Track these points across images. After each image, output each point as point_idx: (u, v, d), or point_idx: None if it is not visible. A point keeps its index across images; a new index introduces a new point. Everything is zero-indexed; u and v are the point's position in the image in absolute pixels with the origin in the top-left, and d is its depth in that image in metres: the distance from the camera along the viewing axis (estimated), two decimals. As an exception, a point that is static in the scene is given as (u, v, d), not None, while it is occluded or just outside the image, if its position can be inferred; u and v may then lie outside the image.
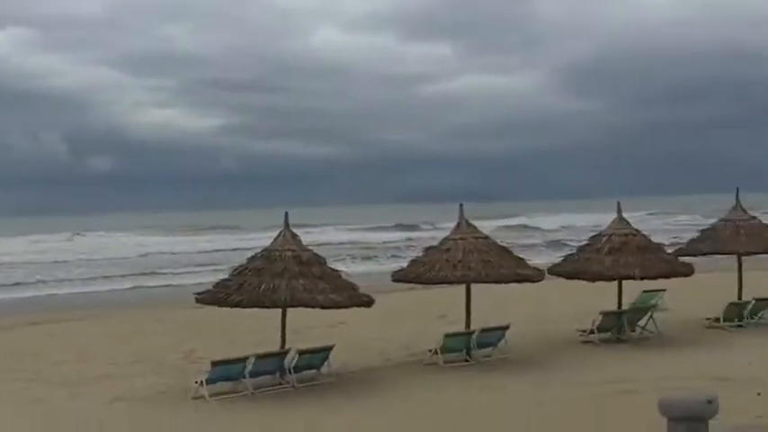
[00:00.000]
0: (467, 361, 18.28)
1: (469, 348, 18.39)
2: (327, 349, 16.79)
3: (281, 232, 17.11)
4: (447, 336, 18.34)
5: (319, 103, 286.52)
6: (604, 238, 20.61)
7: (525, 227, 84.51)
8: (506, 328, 18.85)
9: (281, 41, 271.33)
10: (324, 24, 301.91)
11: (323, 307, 16.19)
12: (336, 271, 17.28)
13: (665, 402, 7.25)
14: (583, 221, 70.17)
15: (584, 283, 20.90)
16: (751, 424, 11.96)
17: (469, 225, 19.18)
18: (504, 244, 20.64)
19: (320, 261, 16.96)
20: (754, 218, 23.64)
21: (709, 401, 7.08)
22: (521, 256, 20.19)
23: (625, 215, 21.47)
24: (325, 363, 16.78)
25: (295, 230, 17.43)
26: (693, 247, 23.39)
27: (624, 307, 21.23)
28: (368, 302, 16.80)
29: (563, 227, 77.62)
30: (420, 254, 19.96)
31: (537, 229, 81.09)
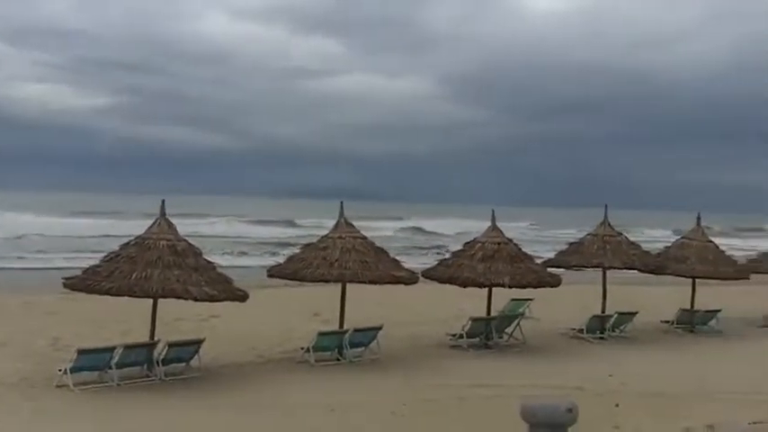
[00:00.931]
0: (338, 360, 18.40)
1: (341, 347, 18.50)
2: (198, 342, 16.61)
3: (156, 220, 16.79)
4: (320, 334, 18.40)
5: (206, 91, 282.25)
6: (478, 246, 21.05)
7: (420, 230, 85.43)
8: (379, 328, 19.05)
9: (171, 24, 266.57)
10: (215, 10, 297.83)
11: (196, 299, 15.95)
12: (211, 263, 17.08)
13: (527, 408, 7.48)
14: (474, 227, 71.30)
15: (457, 287, 21.30)
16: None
17: (348, 224, 19.31)
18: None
19: (195, 252, 16.74)
20: (621, 234, 24.64)
21: (569, 410, 7.35)
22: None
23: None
24: (195, 356, 16.59)
25: (174, 220, 17.15)
26: (561, 259, 24.20)
27: (493, 313, 21.74)
28: (242, 297, 16.68)
29: (459, 233, 78.85)
30: (298, 250, 19.96)
31: (434, 233, 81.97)
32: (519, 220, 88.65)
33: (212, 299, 16.19)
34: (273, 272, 19.39)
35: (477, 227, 22.64)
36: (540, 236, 78.61)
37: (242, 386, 16.02)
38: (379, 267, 18.67)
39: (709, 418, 13.46)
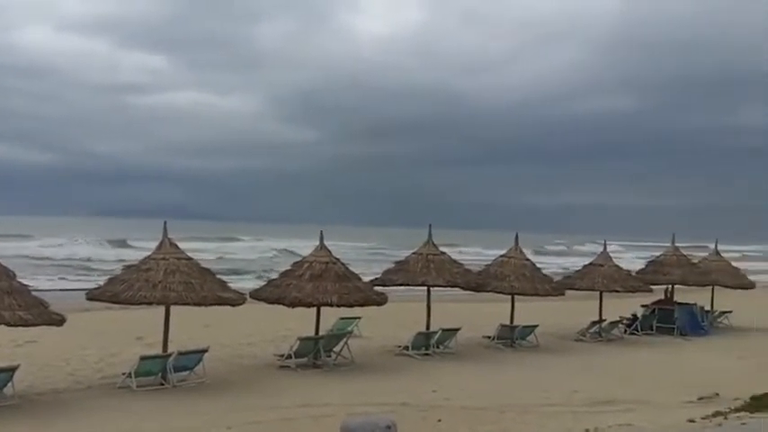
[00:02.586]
0: (162, 384, 17.95)
1: (165, 372, 18.07)
2: (11, 369, 15.83)
3: (-34, 242, 15.97)
4: (142, 358, 17.92)
5: (24, 106, 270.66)
6: (306, 265, 21.12)
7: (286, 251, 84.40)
8: (204, 351, 18.75)
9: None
10: (37, 22, 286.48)
11: (9, 324, 15.24)
12: (26, 286, 16.38)
13: (346, 427, 7.60)
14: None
15: (286, 307, 21.28)
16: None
17: (172, 244, 18.94)
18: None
19: (9, 275, 15.98)
20: (444, 253, 25.34)
21: (388, 427, 7.52)
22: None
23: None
24: (9, 384, 15.79)
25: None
26: (387, 278, 24.61)
27: (322, 333, 21.84)
28: (59, 321, 16.06)
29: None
30: (119, 272, 19.38)
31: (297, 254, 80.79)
32: (350, 240, 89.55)
33: (26, 323, 15.50)
34: (93, 294, 18.72)
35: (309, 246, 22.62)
36: (374, 256, 79.48)
37: (60, 414, 15.36)
38: (204, 289, 18.37)
39: (525, 429, 14.04)
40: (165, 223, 19.04)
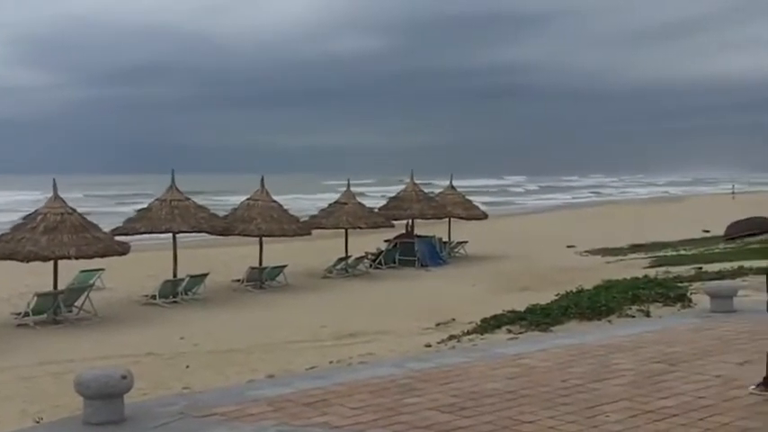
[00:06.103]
0: None
1: None
2: None
3: None
4: None
5: None
6: (39, 217, 20.17)
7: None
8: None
9: None
10: None
11: None
12: None
13: (79, 381, 7.37)
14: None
15: (21, 263, 20.24)
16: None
17: None
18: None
19: None
20: (188, 198, 25.02)
21: (123, 377, 7.36)
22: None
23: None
24: None
25: None
26: (130, 227, 24.00)
27: (62, 287, 20.97)
28: None
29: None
30: None
31: None
32: (84, 189, 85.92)
33: None
34: None
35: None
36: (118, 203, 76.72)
37: None
38: None
39: (272, 367, 14.27)
40: None
